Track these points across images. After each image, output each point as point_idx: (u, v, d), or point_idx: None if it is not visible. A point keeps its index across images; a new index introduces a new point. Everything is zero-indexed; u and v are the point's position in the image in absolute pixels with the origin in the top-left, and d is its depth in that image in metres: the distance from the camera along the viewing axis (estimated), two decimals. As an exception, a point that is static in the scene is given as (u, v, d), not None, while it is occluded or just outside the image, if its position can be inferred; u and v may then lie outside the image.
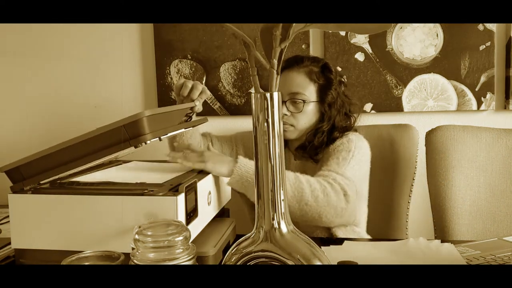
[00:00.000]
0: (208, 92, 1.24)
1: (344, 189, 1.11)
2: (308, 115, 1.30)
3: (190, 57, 1.68)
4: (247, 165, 1.07)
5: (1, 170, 0.85)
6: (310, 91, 1.30)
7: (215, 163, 1.04)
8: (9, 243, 0.88)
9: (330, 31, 1.60)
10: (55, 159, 0.83)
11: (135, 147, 0.80)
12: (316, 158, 1.31)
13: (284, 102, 1.29)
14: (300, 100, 1.29)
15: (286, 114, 1.30)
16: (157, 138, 0.84)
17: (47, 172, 0.84)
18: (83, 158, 0.82)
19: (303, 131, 1.32)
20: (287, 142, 1.38)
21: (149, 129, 0.80)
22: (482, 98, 1.58)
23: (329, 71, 1.32)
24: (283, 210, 0.60)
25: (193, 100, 1.19)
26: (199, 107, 1.21)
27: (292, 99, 1.29)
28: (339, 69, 1.60)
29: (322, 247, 0.96)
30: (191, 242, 0.68)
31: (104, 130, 0.81)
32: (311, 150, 1.31)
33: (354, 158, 1.23)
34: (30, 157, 0.85)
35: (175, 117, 0.98)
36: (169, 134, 0.91)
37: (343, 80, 1.37)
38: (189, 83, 1.20)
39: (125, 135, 0.80)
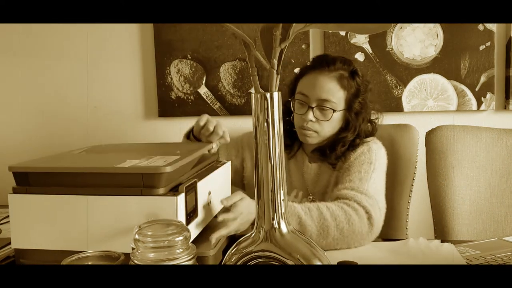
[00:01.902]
0: (227, 138, 1.16)
1: (369, 212, 1.07)
2: (333, 123, 1.25)
3: (190, 57, 1.68)
4: None
5: (9, 170, 0.85)
6: (339, 98, 1.24)
7: (246, 225, 1.00)
8: (9, 243, 0.88)
9: (330, 31, 1.60)
10: (64, 179, 0.83)
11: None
12: (334, 163, 1.28)
13: (311, 107, 1.24)
14: (329, 108, 1.23)
15: (311, 120, 1.24)
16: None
17: (53, 187, 0.83)
18: (92, 188, 0.82)
19: (325, 137, 1.28)
20: (301, 144, 1.36)
21: (164, 183, 0.81)
22: (482, 98, 1.58)
23: (358, 77, 1.27)
24: (283, 210, 0.60)
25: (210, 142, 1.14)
26: (215, 149, 1.15)
27: (320, 106, 1.24)
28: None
29: (322, 247, 0.96)
30: (191, 242, 0.68)
31: (122, 170, 0.81)
32: (331, 157, 1.27)
33: (375, 170, 1.21)
34: (41, 168, 0.84)
35: (192, 163, 0.97)
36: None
37: (369, 85, 1.32)
38: (211, 126, 1.13)
39: (139, 182, 0.80)
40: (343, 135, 1.26)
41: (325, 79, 1.24)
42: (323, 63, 1.26)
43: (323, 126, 1.25)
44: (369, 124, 1.31)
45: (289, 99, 1.31)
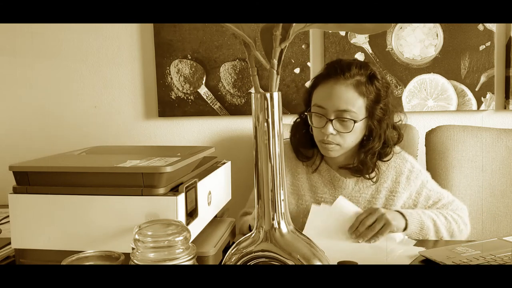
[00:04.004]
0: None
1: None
2: (356, 133, 1.17)
3: (190, 57, 1.68)
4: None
5: (9, 169, 0.85)
6: (359, 107, 1.15)
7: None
8: (9, 243, 0.88)
9: (330, 31, 1.60)
10: (64, 179, 0.83)
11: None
12: (372, 176, 1.23)
13: (329, 120, 1.15)
14: (350, 119, 1.15)
15: (332, 133, 1.16)
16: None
17: (53, 187, 0.83)
18: (92, 188, 0.82)
19: (348, 149, 1.20)
20: (322, 156, 1.27)
21: (164, 183, 0.81)
22: (482, 98, 1.58)
23: (378, 81, 1.18)
24: (283, 210, 0.60)
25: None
26: None
27: (340, 118, 1.15)
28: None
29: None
30: (191, 242, 0.68)
31: (122, 170, 0.81)
32: (367, 171, 1.22)
33: (428, 175, 1.29)
34: (41, 168, 0.84)
35: (192, 165, 0.96)
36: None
37: (390, 88, 1.23)
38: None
39: (140, 182, 0.80)
40: (370, 146, 1.20)
41: (342, 88, 1.15)
42: (337, 70, 1.17)
43: (345, 138, 1.17)
44: (394, 130, 1.23)
45: (305, 112, 1.23)
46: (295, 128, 1.30)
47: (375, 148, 1.19)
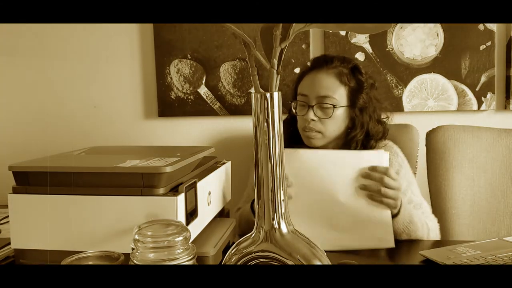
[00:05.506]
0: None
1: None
2: (337, 121, 1.21)
3: (190, 57, 1.68)
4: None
5: (9, 169, 0.85)
6: (340, 95, 1.20)
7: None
8: (9, 243, 0.88)
9: (330, 31, 1.60)
10: (64, 179, 0.83)
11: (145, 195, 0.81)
12: None
13: (311, 106, 1.20)
14: (329, 105, 1.19)
15: (313, 120, 1.20)
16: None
17: (53, 187, 0.83)
18: (92, 188, 0.82)
19: (331, 138, 1.23)
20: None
21: (164, 183, 0.81)
22: (483, 98, 1.58)
23: (360, 73, 1.24)
24: (283, 210, 0.60)
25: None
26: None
27: (320, 104, 1.20)
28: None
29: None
30: (191, 242, 0.68)
31: (122, 170, 0.81)
32: None
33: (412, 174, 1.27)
34: (41, 168, 0.84)
35: (192, 165, 0.96)
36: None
37: (374, 83, 1.28)
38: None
39: (139, 182, 0.80)
40: (353, 134, 1.22)
41: (323, 76, 1.21)
42: (321, 63, 1.24)
43: (326, 126, 1.21)
44: (379, 125, 1.26)
45: (289, 102, 1.29)
46: (284, 125, 1.33)
47: (358, 137, 1.22)
